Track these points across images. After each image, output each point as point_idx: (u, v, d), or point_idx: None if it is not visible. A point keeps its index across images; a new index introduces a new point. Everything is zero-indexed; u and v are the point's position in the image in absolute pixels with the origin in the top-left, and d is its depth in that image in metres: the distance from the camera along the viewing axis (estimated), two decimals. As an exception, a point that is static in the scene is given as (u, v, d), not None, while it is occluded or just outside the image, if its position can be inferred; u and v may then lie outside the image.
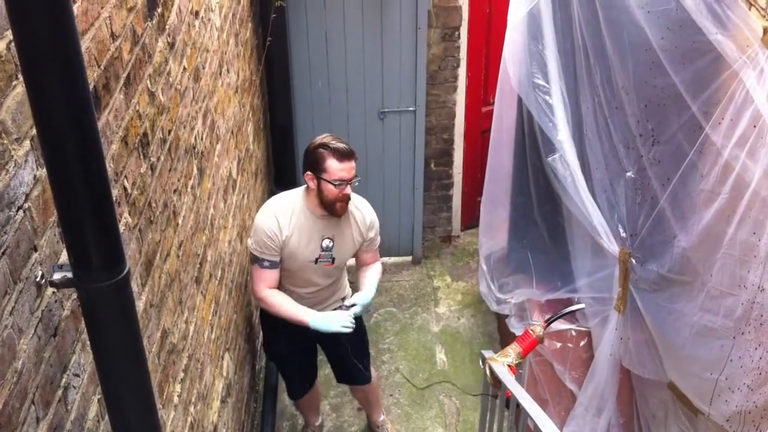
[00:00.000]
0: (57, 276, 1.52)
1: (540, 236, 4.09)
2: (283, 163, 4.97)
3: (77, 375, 1.70)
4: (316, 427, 4.42)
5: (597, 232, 3.63)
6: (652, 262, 3.50)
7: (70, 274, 1.53)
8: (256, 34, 4.53)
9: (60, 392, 1.60)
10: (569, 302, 3.93)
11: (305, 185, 3.55)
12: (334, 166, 3.37)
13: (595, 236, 3.65)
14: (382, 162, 5.29)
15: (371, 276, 3.76)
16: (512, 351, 3.19)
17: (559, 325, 3.81)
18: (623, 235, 3.59)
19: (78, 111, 1.35)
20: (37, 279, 1.52)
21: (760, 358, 2.85)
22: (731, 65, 2.91)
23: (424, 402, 4.73)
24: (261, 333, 4.25)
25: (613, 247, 3.61)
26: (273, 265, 3.54)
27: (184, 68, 2.76)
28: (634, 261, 3.56)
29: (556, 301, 4.07)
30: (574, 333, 4.06)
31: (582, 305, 3.42)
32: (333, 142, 3.41)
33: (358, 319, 3.71)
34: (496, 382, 3.12)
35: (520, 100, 3.84)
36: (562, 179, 3.67)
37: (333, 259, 3.63)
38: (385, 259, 5.64)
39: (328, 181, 3.39)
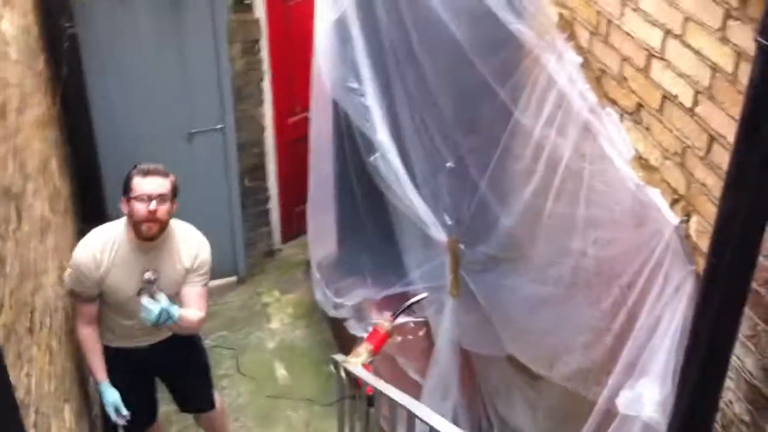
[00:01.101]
0: None
1: (369, 236, 4.18)
2: (91, 198, 4.71)
3: None
4: None
5: (424, 223, 3.76)
6: (479, 244, 3.69)
7: None
8: (49, 66, 4.27)
9: None
10: (406, 296, 4.04)
11: (125, 217, 3.42)
12: (138, 183, 3.31)
13: (423, 228, 3.79)
14: (195, 183, 5.14)
15: (188, 308, 3.48)
16: (364, 350, 3.24)
17: (398, 319, 3.91)
18: (449, 223, 3.75)
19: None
20: None
21: (592, 317, 3.09)
22: (531, 51, 3.14)
23: (271, 420, 4.67)
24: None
25: (441, 236, 3.76)
26: (89, 299, 3.42)
27: (-8, 105, 2.57)
28: (462, 246, 3.74)
29: (393, 297, 4.17)
30: (413, 325, 4.20)
31: (425, 294, 3.54)
32: (140, 164, 3.39)
33: (195, 343, 3.73)
34: (354, 382, 3.15)
35: (335, 105, 3.91)
36: (386, 177, 3.77)
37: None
38: (210, 283, 5.50)
39: (134, 199, 3.30)
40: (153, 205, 3.27)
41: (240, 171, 5.28)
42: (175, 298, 3.45)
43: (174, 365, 3.56)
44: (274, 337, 5.21)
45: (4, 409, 1.52)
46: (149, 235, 3.33)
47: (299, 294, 5.54)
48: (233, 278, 5.59)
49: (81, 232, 4.45)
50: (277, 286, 5.63)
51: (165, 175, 3.37)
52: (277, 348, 5.13)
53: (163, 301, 3.27)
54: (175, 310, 3.29)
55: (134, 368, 3.55)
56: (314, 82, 3.92)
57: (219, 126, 5.04)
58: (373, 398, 2.99)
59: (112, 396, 3.47)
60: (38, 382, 2.66)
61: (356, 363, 3.13)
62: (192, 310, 3.44)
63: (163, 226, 3.35)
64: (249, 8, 4.89)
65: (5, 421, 1.53)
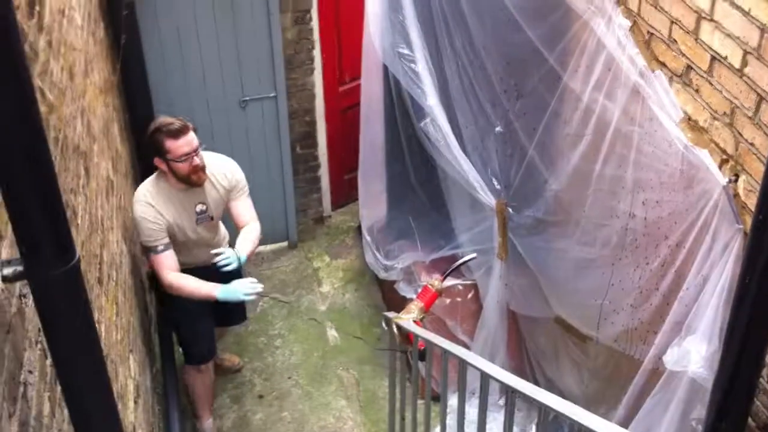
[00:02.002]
0: (7, 271, 1.50)
1: (419, 201, 4.26)
2: (149, 163, 4.86)
3: (31, 372, 1.67)
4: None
5: (473, 187, 3.83)
6: (527, 208, 3.75)
7: (20, 268, 1.51)
8: (107, 33, 4.42)
9: (21, 389, 1.57)
10: (454, 259, 4.12)
11: (158, 171, 3.71)
12: (174, 145, 3.55)
13: (472, 192, 3.86)
14: (248, 150, 5.30)
15: (246, 231, 3.89)
16: (415, 307, 3.34)
17: (447, 281, 4.00)
18: (498, 187, 3.82)
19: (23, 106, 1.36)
20: (-11, 275, 1.49)
21: (640, 278, 3.14)
22: (581, 16, 3.17)
23: (323, 379, 4.81)
24: (155, 332, 4.21)
25: (489, 199, 3.82)
26: (167, 246, 3.70)
27: (62, 67, 2.70)
28: (510, 210, 3.80)
29: (441, 260, 4.26)
30: (461, 287, 4.28)
31: (474, 255, 3.61)
32: (164, 125, 3.59)
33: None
34: (405, 338, 3.25)
35: (386, 72, 3.98)
36: (435, 142, 3.85)
37: (211, 217, 3.89)
38: (261, 248, 5.67)
39: (175, 160, 3.57)
40: (196, 160, 3.59)
41: (291, 138, 5.40)
42: (225, 212, 3.95)
43: (224, 279, 3.85)
44: (325, 300, 5.35)
45: (93, 356, 1.65)
46: (201, 182, 3.68)
47: (349, 259, 5.66)
48: (284, 243, 5.74)
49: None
50: (328, 251, 5.76)
51: (189, 127, 3.60)
52: (327, 311, 5.26)
53: (231, 255, 3.68)
54: (243, 255, 3.73)
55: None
56: (365, 50, 3.99)
57: (271, 94, 5.16)
58: (425, 352, 3.09)
59: (237, 291, 3.70)
60: (107, 331, 2.82)
61: (408, 319, 3.23)
62: (249, 230, 3.87)
63: (205, 168, 3.66)
64: (300, -22, 4.97)
65: (93, 366, 1.65)
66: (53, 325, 1.56)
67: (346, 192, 5.96)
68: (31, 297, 1.83)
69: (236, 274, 3.85)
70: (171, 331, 4.28)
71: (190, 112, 5.02)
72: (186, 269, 3.81)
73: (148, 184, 3.75)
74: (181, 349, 4.29)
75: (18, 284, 1.70)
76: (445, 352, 2.81)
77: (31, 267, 1.50)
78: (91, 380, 1.67)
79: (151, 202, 3.66)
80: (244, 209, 3.92)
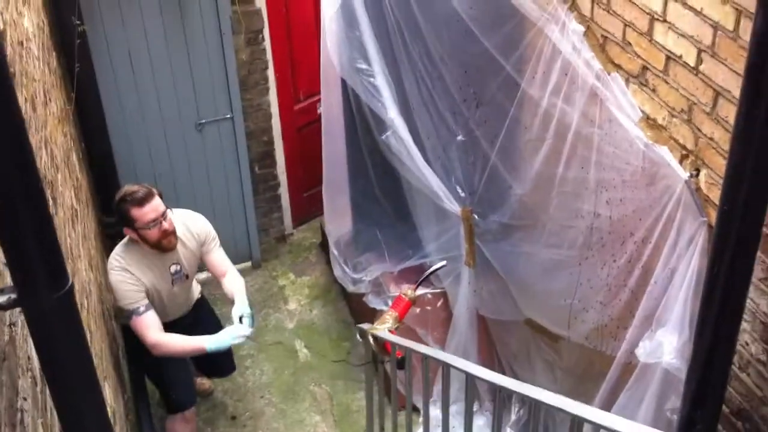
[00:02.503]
0: (1, 299, 1.49)
1: (384, 212, 4.30)
2: (109, 190, 4.82)
3: (25, 399, 1.66)
4: None
5: (437, 196, 3.88)
6: (492, 214, 3.82)
7: (14, 295, 1.50)
8: (60, 63, 4.38)
9: (19, 416, 1.56)
10: (422, 268, 4.17)
11: (128, 237, 3.71)
12: (140, 213, 3.55)
13: (437, 201, 3.91)
14: (207, 172, 5.28)
15: (235, 286, 3.91)
16: (389, 317, 3.37)
17: (419, 290, 4.04)
18: (462, 194, 3.88)
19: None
20: (-17, 305, 1.48)
21: (608, 275, 3.22)
22: (535, 24, 3.26)
23: (295, 396, 4.81)
24: (125, 364, 4.16)
25: (454, 207, 3.88)
26: (148, 307, 3.68)
27: (25, 98, 2.68)
28: (476, 216, 3.86)
29: (409, 270, 4.30)
30: (430, 296, 4.32)
31: (444, 263, 3.66)
32: (128, 194, 3.59)
33: (209, 310, 4.24)
34: (381, 348, 3.28)
35: (345, 88, 4.02)
36: (398, 154, 3.89)
37: (187, 276, 3.90)
38: (226, 269, 5.66)
39: (143, 228, 3.56)
40: (165, 224, 3.59)
41: (250, 159, 5.40)
42: (198, 267, 3.98)
43: (207, 329, 3.89)
44: (293, 317, 5.34)
45: (88, 378, 1.64)
46: (172, 246, 3.68)
47: (314, 276, 5.67)
48: (248, 263, 5.72)
49: (101, 223, 4.60)
50: (292, 269, 5.76)
51: (153, 194, 3.61)
52: (296, 328, 5.26)
53: (247, 320, 3.71)
54: (246, 308, 3.76)
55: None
56: (324, 66, 4.02)
57: (228, 115, 5.15)
58: (404, 360, 3.12)
59: (221, 335, 3.70)
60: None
61: (383, 329, 3.26)
62: (233, 279, 3.90)
63: (175, 232, 3.68)
64: (251, -1, 5.00)
65: (90, 389, 1.65)
66: (49, 350, 1.56)
67: (306, 209, 5.99)
68: (20, 325, 1.82)
69: (218, 324, 3.97)
70: (152, 377, 4.21)
71: (146, 137, 5.01)
72: (164, 323, 3.80)
73: (119, 251, 3.73)
74: (161, 397, 4.26)
75: (8, 313, 1.69)
76: (426, 357, 2.84)
77: (26, 294, 1.49)
78: (87, 403, 1.66)
79: (126, 267, 3.65)
80: (219, 260, 3.95)
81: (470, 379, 2.57)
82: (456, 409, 3.80)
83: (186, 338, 3.72)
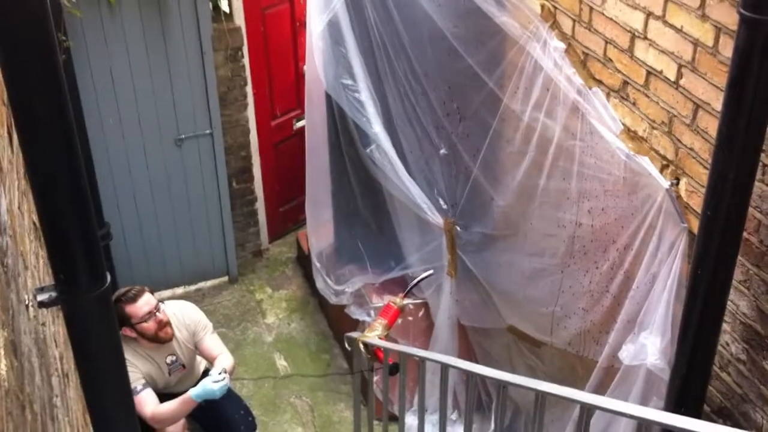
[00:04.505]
0: (42, 297, 1.55)
1: (367, 224, 4.39)
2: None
3: (57, 395, 1.71)
4: None
5: (420, 208, 3.99)
6: (475, 225, 3.93)
7: (54, 293, 1.56)
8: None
9: (54, 411, 1.62)
10: (404, 279, 4.27)
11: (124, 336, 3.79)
12: (134, 309, 3.74)
13: (419, 213, 4.02)
14: (185, 187, 5.32)
15: (222, 360, 3.99)
16: (379, 324, 3.45)
17: (407, 298, 4.12)
18: (445, 206, 3.99)
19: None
20: (27, 302, 1.54)
21: (590, 282, 3.35)
22: (517, 41, 3.39)
23: (276, 408, 4.84)
24: None
25: (437, 219, 3.99)
26: (145, 385, 3.80)
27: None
28: (458, 228, 3.97)
29: (391, 281, 4.39)
30: (411, 307, 4.41)
31: (431, 271, 3.76)
32: (121, 295, 3.76)
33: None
34: (373, 355, 3.36)
35: (329, 103, 4.11)
36: (381, 167, 3.99)
37: (183, 365, 4.05)
38: (202, 284, 5.71)
39: (139, 322, 3.74)
40: (159, 315, 3.77)
41: (228, 174, 5.45)
42: (196, 353, 4.10)
43: (209, 405, 3.95)
44: (271, 331, 5.39)
45: (121, 376, 1.71)
46: (169, 337, 3.84)
47: (291, 290, 5.73)
48: (225, 278, 5.76)
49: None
50: (269, 283, 5.81)
51: (144, 290, 3.81)
52: (275, 341, 5.31)
53: (216, 387, 3.73)
54: (226, 380, 3.78)
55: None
56: (309, 81, 4.12)
57: (207, 131, 5.21)
58: (398, 366, 3.20)
59: (206, 384, 3.75)
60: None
61: (373, 337, 3.34)
62: (223, 360, 3.95)
63: (170, 323, 3.85)
64: (230, 17, 5.07)
65: (122, 387, 1.71)
66: (86, 347, 1.62)
67: (282, 224, 6.06)
68: (49, 325, 1.87)
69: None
70: None
71: (126, 152, 5.04)
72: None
73: None
74: None
75: (39, 312, 1.74)
76: (423, 360, 2.92)
77: (67, 292, 1.56)
78: (119, 400, 1.72)
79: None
80: (213, 346, 4.05)
81: (472, 376, 2.66)
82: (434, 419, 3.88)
83: (173, 401, 3.82)
